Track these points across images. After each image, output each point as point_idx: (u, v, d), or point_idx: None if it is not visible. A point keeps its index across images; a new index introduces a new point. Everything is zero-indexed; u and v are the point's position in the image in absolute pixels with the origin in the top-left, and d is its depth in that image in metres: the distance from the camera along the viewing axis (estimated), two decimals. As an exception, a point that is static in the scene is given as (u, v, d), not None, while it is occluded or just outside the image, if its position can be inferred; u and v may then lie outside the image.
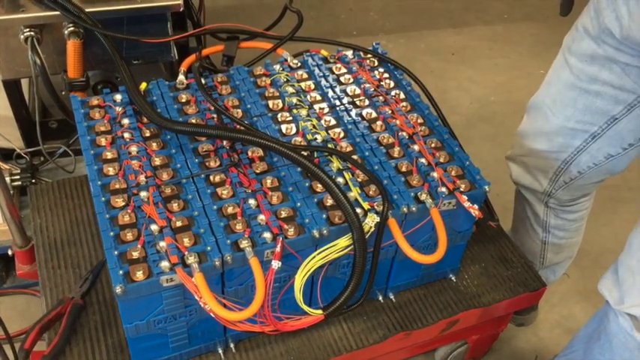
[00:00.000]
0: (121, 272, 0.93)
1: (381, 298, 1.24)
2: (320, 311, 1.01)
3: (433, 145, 1.18)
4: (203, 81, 1.24)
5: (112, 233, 0.98)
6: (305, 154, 1.07)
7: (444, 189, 1.09)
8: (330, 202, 1.05)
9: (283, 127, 1.18)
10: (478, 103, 2.30)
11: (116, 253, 0.95)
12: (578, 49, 1.15)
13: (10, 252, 1.42)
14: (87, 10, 1.27)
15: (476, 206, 1.08)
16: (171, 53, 1.44)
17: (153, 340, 1.05)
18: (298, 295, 0.99)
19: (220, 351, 1.14)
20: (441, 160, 1.15)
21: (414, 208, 1.06)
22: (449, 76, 2.39)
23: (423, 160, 1.14)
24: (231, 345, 1.15)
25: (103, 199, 1.02)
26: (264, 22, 1.57)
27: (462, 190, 1.10)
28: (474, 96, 2.33)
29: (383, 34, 2.54)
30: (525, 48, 2.64)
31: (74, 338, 1.15)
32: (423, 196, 1.08)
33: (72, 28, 1.29)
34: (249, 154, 1.12)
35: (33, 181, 1.55)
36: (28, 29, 1.28)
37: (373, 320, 1.21)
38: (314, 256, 1.00)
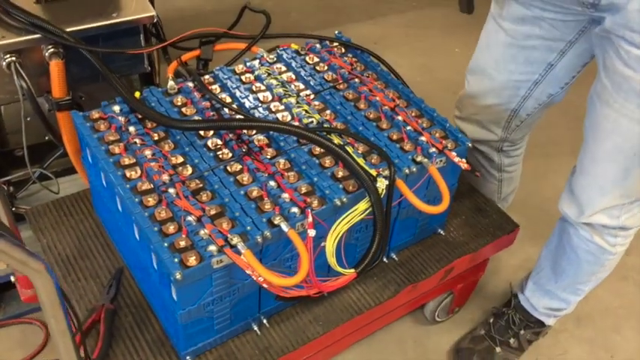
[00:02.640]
0: (176, 260, 1.00)
1: (385, 259, 1.37)
2: (352, 270, 1.13)
3: (414, 114, 1.32)
4: (191, 84, 1.32)
5: (155, 228, 1.04)
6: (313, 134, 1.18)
7: (434, 149, 1.23)
8: (341, 173, 1.17)
9: (279, 115, 1.28)
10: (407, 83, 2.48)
11: (166, 244, 1.02)
12: (509, 14, 1.32)
13: (12, 278, 1.42)
14: (67, 29, 1.31)
15: (464, 160, 1.23)
16: (144, 65, 1.50)
17: (200, 324, 1.12)
18: (332, 260, 1.10)
19: (256, 327, 1.22)
20: (425, 125, 1.30)
21: (414, 169, 1.19)
22: (377, 63, 2.56)
23: (409, 128, 1.28)
24: (264, 321, 1.24)
25: (136, 199, 1.09)
26: (217, 25, 1.63)
27: (449, 148, 1.25)
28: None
29: (310, 32, 2.67)
30: (437, 31, 2.86)
31: (114, 340, 1.19)
32: (419, 158, 1.21)
33: (52, 50, 1.32)
34: (256, 142, 1.22)
35: (13, 209, 1.56)
36: (8, 55, 1.30)
37: (383, 279, 1.34)
38: (341, 221, 1.11)
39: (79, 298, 1.25)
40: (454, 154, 1.23)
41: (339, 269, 1.12)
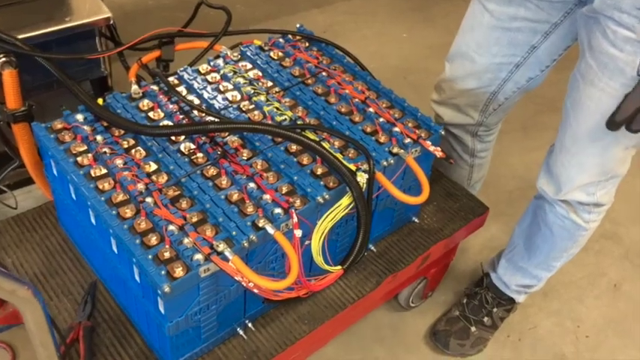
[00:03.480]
0: (162, 273, 0.97)
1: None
2: (338, 267, 1.12)
3: (385, 105, 1.32)
4: (156, 87, 1.28)
5: (137, 241, 1.01)
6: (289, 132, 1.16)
7: (409, 139, 1.24)
8: (320, 170, 1.16)
9: (251, 115, 1.25)
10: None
11: (150, 257, 0.99)
12: None
13: (-25, 301, 1.36)
14: (19, 36, 1.24)
15: (439, 148, 1.24)
16: (101, 69, 1.44)
17: (187, 335, 1.09)
18: (318, 258, 1.09)
19: (241, 332, 1.20)
20: (397, 116, 1.30)
21: (392, 161, 1.19)
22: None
23: (382, 120, 1.27)
24: (250, 324, 1.22)
25: (113, 212, 1.05)
26: (165, 22, 1.58)
27: (423, 137, 1.25)
28: (354, 66, 2.52)
29: (257, 24, 2.64)
30: (385, 17, 2.87)
31: (95, 359, 1.15)
32: (395, 149, 1.21)
33: (4, 59, 1.25)
34: (230, 144, 1.19)
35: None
36: (-43, 68, 1.23)
37: (363, 272, 1.34)
38: (325, 218, 1.10)
39: (53, 317, 1.20)
40: (429, 142, 1.23)
41: (326, 267, 1.11)
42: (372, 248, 1.38)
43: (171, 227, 1.03)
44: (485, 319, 1.66)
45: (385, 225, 1.38)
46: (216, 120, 1.19)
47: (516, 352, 1.71)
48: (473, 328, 1.65)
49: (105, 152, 1.14)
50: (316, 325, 1.25)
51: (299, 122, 1.24)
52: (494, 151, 2.10)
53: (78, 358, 1.13)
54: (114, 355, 1.16)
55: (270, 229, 1.04)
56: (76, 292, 1.25)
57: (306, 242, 1.10)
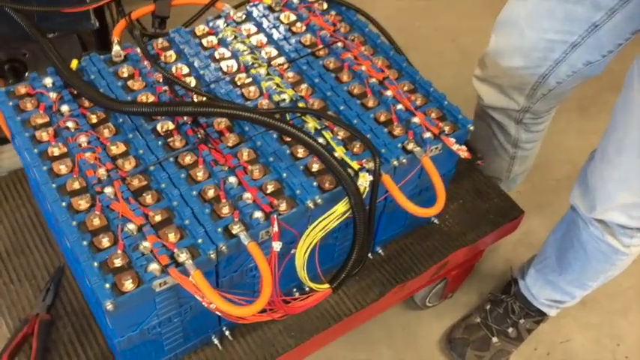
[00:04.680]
0: (107, 286, 0.81)
1: (369, 254, 1.19)
2: (326, 285, 0.94)
3: (406, 88, 1.11)
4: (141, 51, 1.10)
5: (85, 242, 0.85)
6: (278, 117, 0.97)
7: (429, 134, 1.03)
8: (316, 166, 0.97)
9: (245, 90, 1.07)
10: (404, 28, 2.23)
11: (96, 264, 0.83)
12: None
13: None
14: (-13, -18, 1.08)
15: (464, 147, 1.03)
16: (91, 20, 1.27)
17: (146, 347, 0.95)
18: (302, 273, 0.92)
19: (217, 341, 1.05)
20: (418, 103, 1.09)
21: (404, 160, 0.99)
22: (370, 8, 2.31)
23: (400, 107, 1.07)
24: (227, 333, 1.06)
25: (64, 203, 0.89)
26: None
27: (446, 132, 1.04)
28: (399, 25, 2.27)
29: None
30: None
31: (50, 358, 1.02)
32: (410, 146, 1.01)
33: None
34: (216, 126, 1.01)
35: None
36: None
37: (366, 279, 1.16)
38: (313, 228, 0.92)
39: (10, 304, 1.08)
40: (452, 140, 1.02)
41: (311, 284, 0.93)
42: (380, 251, 1.20)
43: (128, 227, 0.87)
44: (510, 329, 1.47)
45: (397, 226, 1.19)
46: (195, 102, 1.01)
47: (542, 367, 1.53)
48: (494, 339, 1.47)
49: (67, 127, 0.98)
50: (304, 338, 1.09)
51: (300, 104, 1.05)
52: (547, 131, 1.84)
53: (30, 353, 1.01)
54: (70, 355, 1.03)
55: (244, 238, 0.87)
56: (41, 276, 1.12)
57: (293, 251, 0.93)
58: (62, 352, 1.03)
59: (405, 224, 1.20)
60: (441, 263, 1.20)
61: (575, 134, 2.06)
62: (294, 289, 1.10)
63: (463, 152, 1.02)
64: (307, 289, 0.99)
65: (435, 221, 1.25)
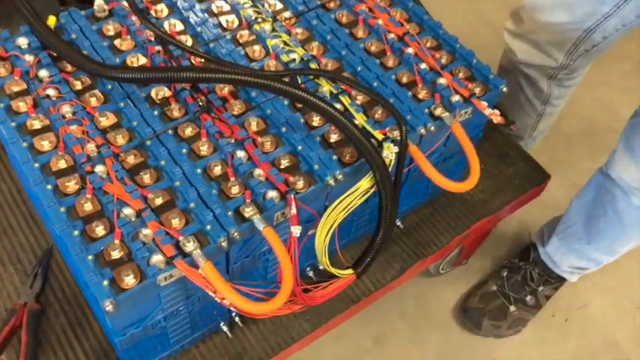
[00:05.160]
0: (105, 283, 0.71)
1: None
2: (349, 271, 0.85)
3: (429, 44, 0.99)
4: (127, 4, 0.96)
5: (76, 232, 0.74)
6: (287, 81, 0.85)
7: (457, 97, 0.92)
8: (334, 137, 0.86)
9: (249, 50, 0.94)
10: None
11: (90, 258, 0.72)
12: None
13: None
14: None
15: (497, 111, 0.92)
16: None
17: (150, 341, 0.85)
18: (324, 259, 0.82)
19: (226, 329, 0.96)
20: (444, 61, 0.97)
21: (432, 128, 0.89)
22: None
23: (424, 66, 0.95)
24: (237, 319, 0.97)
25: (49, 186, 0.77)
26: None
27: (477, 94, 0.93)
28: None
29: None
30: None
31: (41, 351, 0.93)
32: (438, 111, 0.90)
33: None
34: (218, 92, 0.89)
35: None
36: None
37: (385, 254, 1.07)
38: (335, 207, 0.81)
39: (-5, 293, 0.97)
40: (484, 103, 0.91)
41: (333, 270, 0.84)
42: (399, 224, 1.10)
43: (125, 212, 0.76)
44: (528, 297, 1.40)
45: (417, 197, 1.09)
46: (194, 67, 0.89)
47: (561, 334, 1.46)
48: (512, 308, 1.40)
49: (48, 96, 0.85)
50: (321, 322, 1.00)
51: (312, 65, 0.93)
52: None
53: (19, 350, 0.91)
54: (65, 348, 0.93)
55: (258, 223, 0.76)
56: (27, 260, 1.01)
57: (310, 232, 0.83)
58: (55, 344, 0.93)
59: (426, 193, 1.10)
60: (464, 234, 1.11)
61: (585, 86, 1.95)
62: (308, 269, 1.01)
63: (496, 117, 0.91)
64: (321, 267, 0.90)
65: (456, 189, 1.15)
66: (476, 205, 1.14)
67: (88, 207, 0.76)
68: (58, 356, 0.92)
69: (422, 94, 0.92)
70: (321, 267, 0.89)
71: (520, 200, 1.18)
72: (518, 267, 1.41)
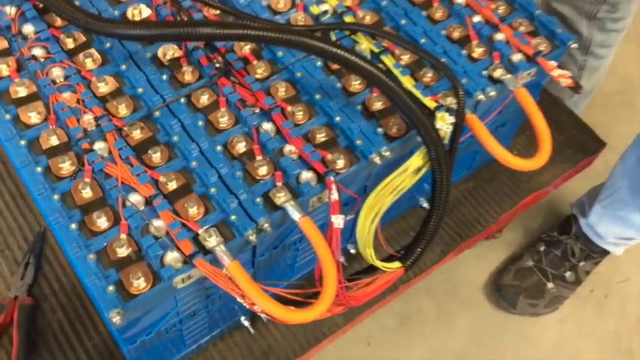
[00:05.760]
0: (111, 289, 0.58)
1: (426, 204, 0.96)
2: (397, 264, 0.72)
3: (482, -8, 0.84)
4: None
5: (73, 225, 0.61)
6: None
7: (519, 56, 0.78)
8: (377, 105, 0.72)
9: (271, 1, 0.80)
10: None
11: (92, 257, 0.59)
12: None
13: None
14: None
15: (567, 73, 0.78)
16: None
17: (162, 348, 0.73)
18: (368, 252, 0.69)
19: (247, 324, 0.84)
20: (501, 12, 0.82)
21: (492, 93, 0.75)
22: None
23: (478, 18, 0.81)
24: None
25: (39, 168, 0.64)
26: None
27: (543, 52, 0.79)
28: None
29: None
30: None
31: (36, 352, 0.81)
32: (498, 72, 0.76)
33: None
34: (238, 51, 0.75)
35: None
36: None
37: (424, 235, 0.94)
38: (381, 189, 0.68)
39: (-19, 285, 0.85)
40: (552, 63, 0.77)
41: (379, 264, 0.71)
42: (438, 200, 0.97)
43: (132, 199, 0.62)
44: (568, 273, 1.28)
45: (459, 170, 0.97)
46: (211, 21, 0.74)
47: (599, 311, 1.35)
48: (550, 285, 1.28)
49: (34, 57, 0.71)
50: (354, 314, 0.88)
51: (346, 18, 0.78)
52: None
53: (11, 348, 0.79)
54: (63, 347, 0.81)
55: (293, 212, 0.63)
56: (17, 245, 0.88)
57: (349, 217, 0.70)
58: (52, 344, 0.81)
59: (470, 166, 0.97)
60: (511, 211, 0.99)
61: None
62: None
63: (565, 79, 0.78)
64: (353, 250, 0.79)
65: (502, 159, 1.02)
66: (524, 177, 1.02)
67: (87, 193, 0.63)
68: (55, 357, 0.80)
69: (477, 52, 0.78)
70: (350, 250, 0.76)
71: (573, 171, 1.05)
72: (557, 241, 1.29)
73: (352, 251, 0.87)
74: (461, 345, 1.28)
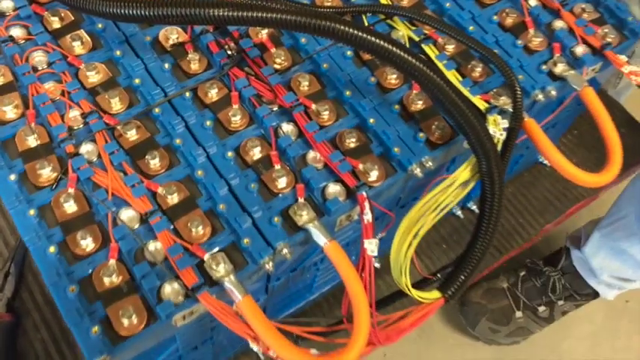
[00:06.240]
0: (95, 330, 0.47)
1: (459, 212, 0.85)
2: (436, 294, 0.61)
3: (538, -29, 0.72)
4: None
5: (51, 247, 0.50)
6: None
7: (584, 48, 0.66)
8: (416, 106, 0.61)
9: (293, -25, 0.68)
10: None
11: (73, 289, 0.49)
12: None
13: None
14: None
15: (637, 68, 0.66)
16: None
17: (160, 380, 0.63)
18: (403, 280, 0.58)
19: (256, 349, 0.73)
20: (561, -4, 0.71)
21: (552, 92, 0.63)
22: None
23: (534, 2, 0.69)
24: (271, 336, 0.75)
25: (12, 176, 0.53)
26: None
27: (612, 43, 0.67)
28: None
29: None
30: None
31: (17, 379, 0.71)
32: (560, 68, 0.65)
33: None
34: (254, 37, 0.63)
35: None
36: None
37: (456, 247, 0.84)
38: (421, 206, 0.57)
39: (-45, 298, 0.74)
40: (623, 58, 0.66)
41: (417, 295, 0.60)
42: (473, 207, 0.86)
43: (124, 215, 0.52)
44: (542, 308, 1.11)
45: (502, 175, 0.85)
46: (221, 1, 0.62)
47: (636, 324, 1.25)
48: (518, 314, 1.11)
49: (12, 38, 0.60)
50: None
51: (382, 0, 0.67)
52: None
53: (-11, 374, 0.69)
54: (48, 373, 0.71)
55: (317, 235, 0.52)
56: (-4, 252, 0.78)
57: (380, 235, 0.59)
58: (34, 368, 0.71)
59: (512, 169, 0.86)
60: (556, 222, 0.88)
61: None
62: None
63: (638, 76, 0.66)
64: (377, 265, 0.68)
65: (546, 162, 0.91)
66: (569, 183, 0.90)
67: (71, 207, 0.52)
68: (38, 383, 0.71)
69: (534, 42, 0.66)
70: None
71: (624, 175, 0.94)
72: (540, 271, 1.13)
73: (377, 265, 0.76)
74: (486, 358, 1.18)
